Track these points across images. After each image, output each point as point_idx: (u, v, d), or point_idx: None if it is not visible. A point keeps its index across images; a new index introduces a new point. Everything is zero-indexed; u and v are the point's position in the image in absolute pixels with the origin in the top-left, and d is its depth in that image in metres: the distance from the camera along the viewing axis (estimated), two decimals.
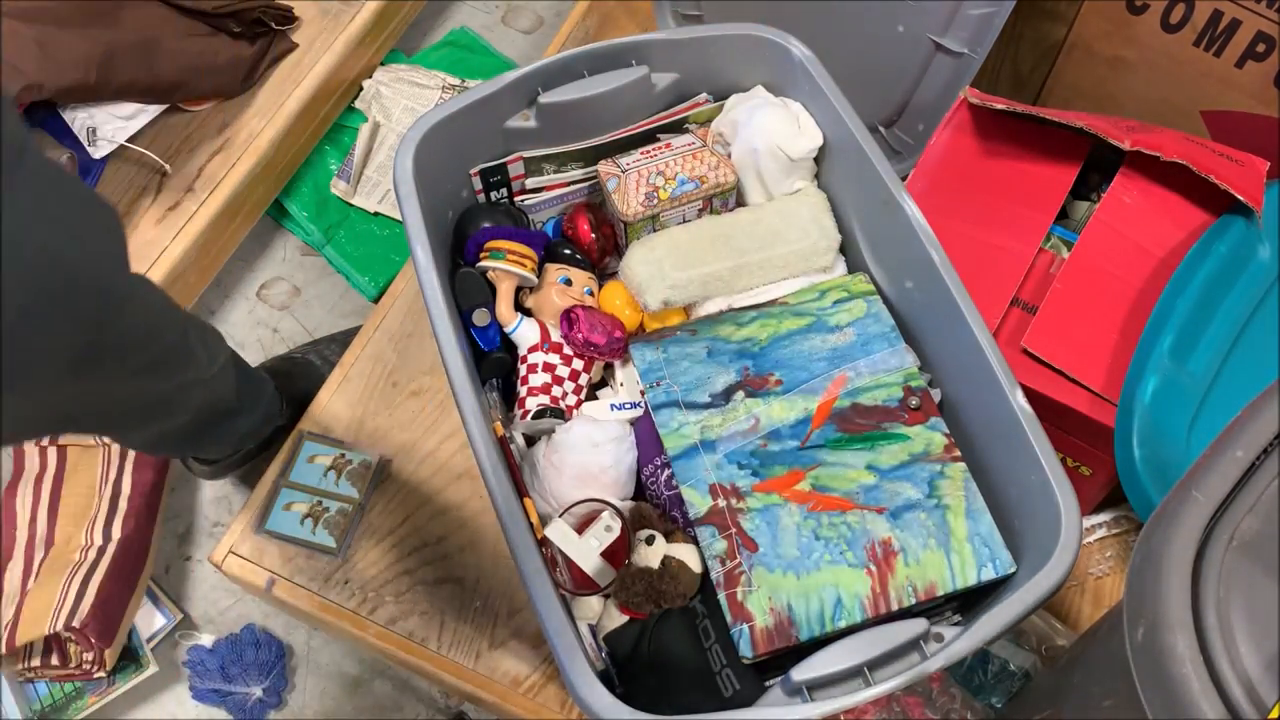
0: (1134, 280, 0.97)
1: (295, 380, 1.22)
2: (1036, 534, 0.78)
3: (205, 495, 1.32)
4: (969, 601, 0.85)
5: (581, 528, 0.87)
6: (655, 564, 0.85)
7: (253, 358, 1.41)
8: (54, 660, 1.12)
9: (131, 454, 1.23)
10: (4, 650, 1.09)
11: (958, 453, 0.85)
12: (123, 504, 1.19)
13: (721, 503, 0.84)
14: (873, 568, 0.80)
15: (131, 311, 0.77)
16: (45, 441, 1.23)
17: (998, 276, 0.98)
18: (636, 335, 0.99)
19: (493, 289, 0.96)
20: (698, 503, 0.84)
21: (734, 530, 0.82)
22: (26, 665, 1.12)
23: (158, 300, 0.85)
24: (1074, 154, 1.03)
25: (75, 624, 1.09)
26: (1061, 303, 0.95)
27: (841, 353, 0.91)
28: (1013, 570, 0.80)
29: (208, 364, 0.93)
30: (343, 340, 1.33)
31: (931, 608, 0.84)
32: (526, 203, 1.03)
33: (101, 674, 1.13)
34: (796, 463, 0.85)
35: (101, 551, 1.15)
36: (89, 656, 1.11)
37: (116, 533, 1.17)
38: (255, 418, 1.12)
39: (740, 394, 0.89)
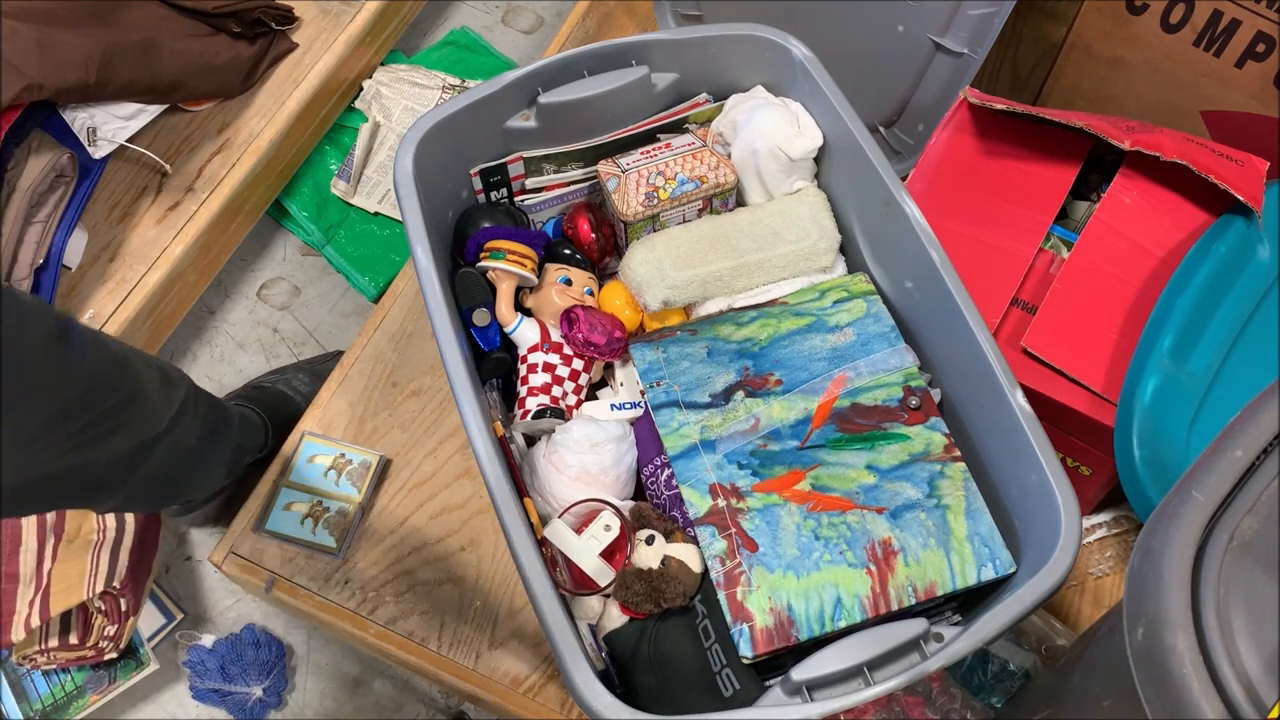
0: (1134, 280, 0.97)
1: (274, 410, 1.22)
2: (1036, 534, 0.78)
3: None
4: (969, 601, 0.85)
5: (581, 528, 0.87)
6: (655, 564, 0.85)
7: (253, 358, 1.41)
8: (72, 639, 1.12)
9: None
10: (24, 630, 1.09)
11: (958, 452, 0.85)
12: None
13: (721, 503, 0.84)
14: (872, 568, 0.80)
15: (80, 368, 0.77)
16: None
17: (998, 276, 0.98)
18: (636, 335, 0.99)
19: (493, 289, 0.96)
20: (698, 503, 0.84)
21: (734, 530, 0.82)
22: (44, 646, 1.12)
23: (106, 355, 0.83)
24: (1074, 154, 1.03)
25: (115, 585, 1.09)
26: (1061, 303, 0.95)
27: (841, 352, 0.91)
28: (1013, 570, 0.80)
29: (165, 411, 0.91)
30: (310, 369, 1.33)
31: (931, 608, 0.84)
32: (526, 203, 1.03)
33: (114, 654, 1.13)
34: (796, 463, 0.85)
35: (120, 531, 1.15)
36: (110, 630, 1.12)
37: (129, 519, 1.17)
38: (219, 466, 1.09)
39: (740, 394, 0.89)
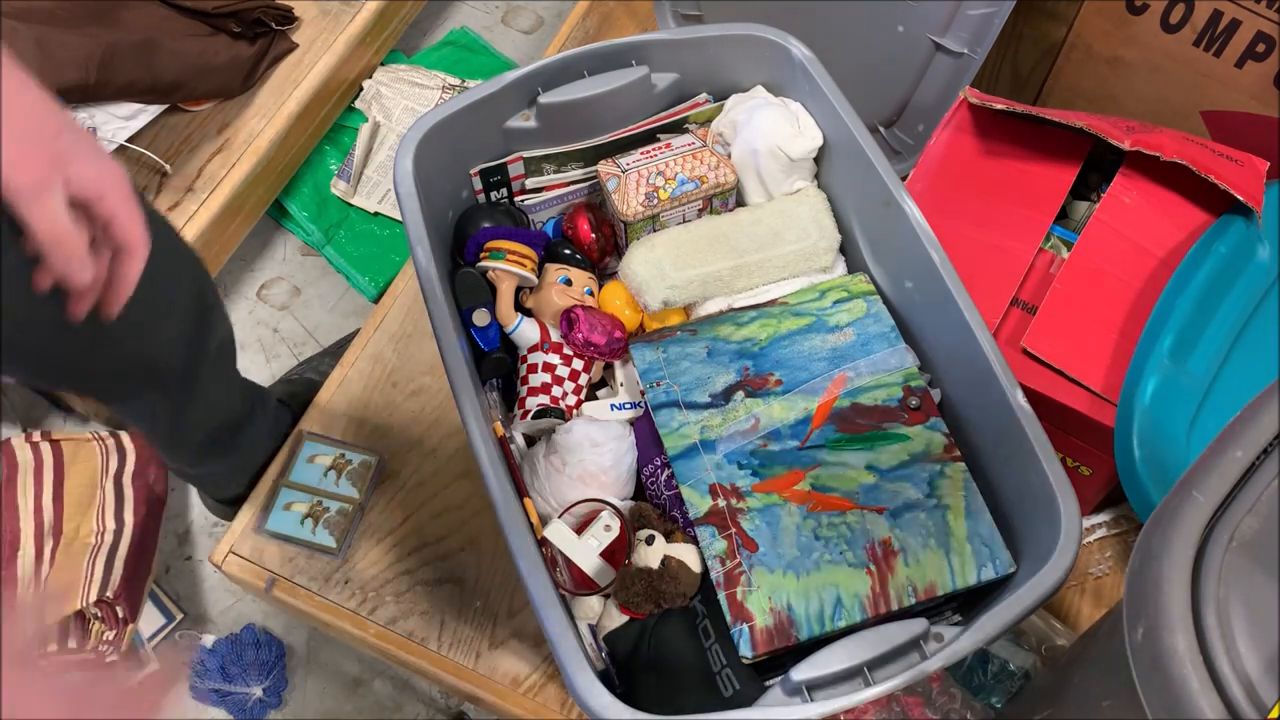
0: (1134, 280, 0.97)
1: (302, 399, 1.23)
2: (1036, 534, 0.78)
3: None
4: (969, 601, 0.85)
5: (581, 528, 0.87)
6: (655, 564, 0.85)
7: (253, 358, 1.41)
8: (71, 643, 1.12)
9: (131, 446, 1.23)
10: None
11: (957, 452, 0.85)
12: (129, 493, 1.20)
13: (721, 503, 0.84)
14: (872, 568, 0.80)
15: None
16: (37, 436, 1.23)
17: (998, 276, 0.98)
18: (636, 335, 0.99)
19: (493, 289, 0.96)
20: (697, 503, 0.84)
21: (734, 530, 0.82)
22: (43, 651, 1.12)
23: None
24: (1074, 154, 1.03)
25: (109, 595, 1.09)
26: (1061, 303, 0.95)
27: (841, 353, 0.91)
28: (1012, 570, 0.80)
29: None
30: (334, 352, 1.33)
31: (931, 608, 0.84)
32: (526, 203, 1.03)
33: (115, 657, 1.13)
34: (796, 463, 0.85)
35: (118, 535, 1.16)
36: (110, 635, 1.11)
37: (129, 518, 1.17)
38: (263, 433, 1.12)
39: (740, 394, 0.89)
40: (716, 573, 0.81)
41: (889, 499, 0.83)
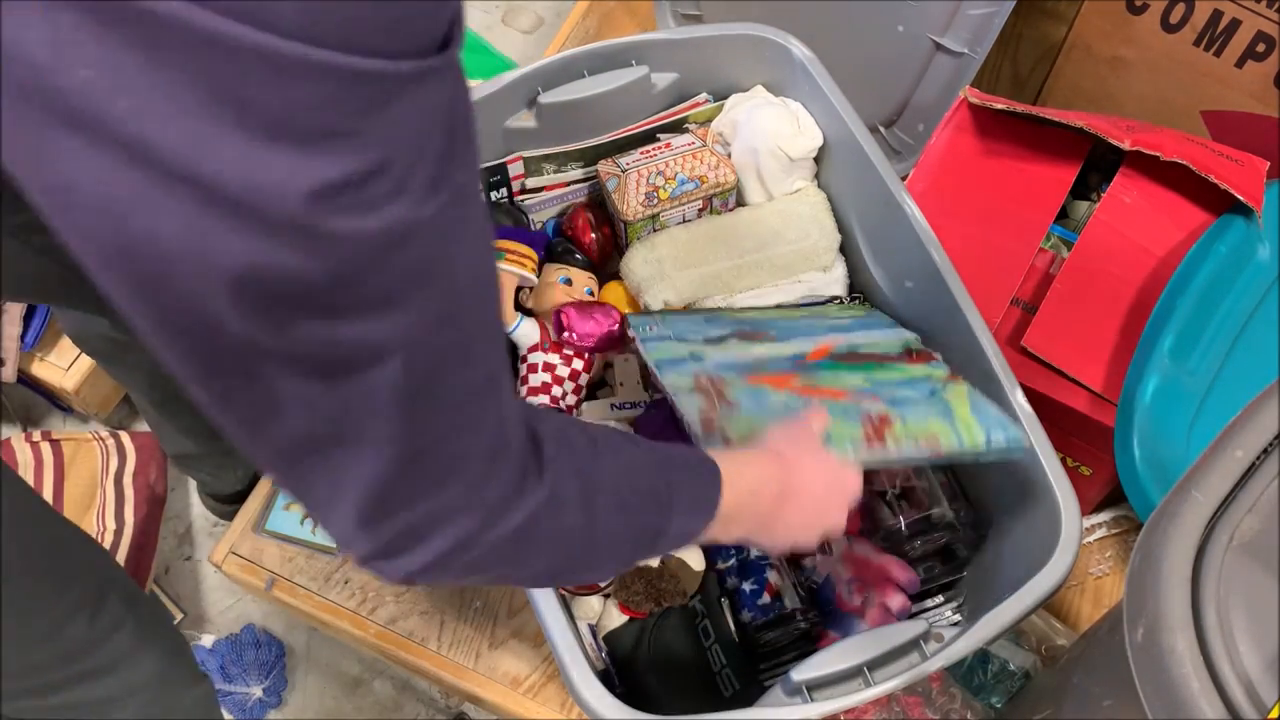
0: (1134, 280, 0.97)
1: None
2: (1036, 534, 0.78)
3: None
4: (969, 600, 0.85)
5: None
6: (655, 563, 0.85)
7: None
8: None
9: (131, 446, 1.23)
10: None
11: (960, 378, 0.82)
12: (129, 492, 1.19)
13: (705, 380, 0.80)
14: (869, 428, 0.74)
15: None
16: (38, 436, 1.23)
17: (998, 276, 0.98)
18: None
19: None
20: (680, 383, 0.79)
21: (715, 395, 0.78)
22: None
23: None
24: (1074, 154, 1.03)
25: None
26: (1061, 303, 0.95)
27: (839, 328, 0.90)
28: (1024, 447, 0.76)
29: None
30: None
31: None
32: (526, 203, 1.03)
33: None
34: (790, 371, 0.82)
35: (118, 535, 1.16)
36: None
37: (129, 517, 1.17)
38: None
39: (734, 339, 0.87)
40: (693, 420, 0.75)
41: (886, 395, 0.78)
